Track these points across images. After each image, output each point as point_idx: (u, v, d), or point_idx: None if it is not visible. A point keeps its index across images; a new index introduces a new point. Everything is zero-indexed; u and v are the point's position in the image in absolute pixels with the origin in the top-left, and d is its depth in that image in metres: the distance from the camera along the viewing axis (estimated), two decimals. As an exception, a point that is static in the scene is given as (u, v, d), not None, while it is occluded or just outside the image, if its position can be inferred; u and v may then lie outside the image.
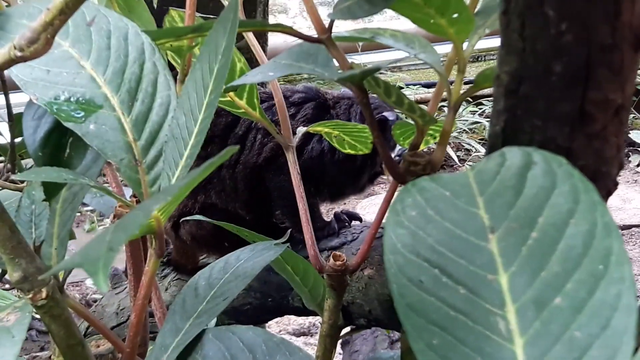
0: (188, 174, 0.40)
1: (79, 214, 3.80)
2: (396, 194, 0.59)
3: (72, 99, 0.45)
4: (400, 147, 1.14)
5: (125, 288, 1.27)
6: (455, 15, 0.57)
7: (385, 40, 0.61)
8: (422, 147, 0.66)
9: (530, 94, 0.47)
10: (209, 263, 1.26)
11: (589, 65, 0.45)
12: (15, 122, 1.11)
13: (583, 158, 0.47)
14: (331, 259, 0.62)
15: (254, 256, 0.58)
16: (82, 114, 0.45)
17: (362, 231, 1.12)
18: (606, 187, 0.50)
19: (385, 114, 1.15)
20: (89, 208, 3.47)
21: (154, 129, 0.46)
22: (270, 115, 0.84)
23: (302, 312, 1.14)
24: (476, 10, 0.63)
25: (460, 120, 4.07)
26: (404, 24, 0.60)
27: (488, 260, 0.37)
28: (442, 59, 0.60)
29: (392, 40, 0.61)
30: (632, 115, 4.22)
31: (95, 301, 1.68)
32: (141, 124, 0.46)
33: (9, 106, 1.10)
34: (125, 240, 0.29)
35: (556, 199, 0.39)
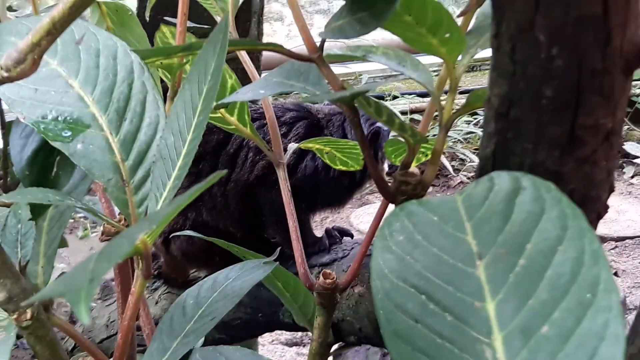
0: (175, 198, 0.40)
1: (72, 220, 3.79)
2: (388, 210, 0.58)
3: (59, 118, 0.45)
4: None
5: (116, 300, 1.26)
6: (447, 35, 0.57)
7: (377, 58, 0.61)
8: (414, 165, 0.66)
9: (520, 118, 0.47)
10: (200, 277, 1.25)
11: (580, 90, 0.45)
12: (7, 129, 1.10)
13: (573, 182, 0.47)
14: (321, 277, 0.61)
15: (243, 275, 0.58)
16: (70, 133, 0.45)
17: (352, 248, 1.12)
18: (596, 211, 0.50)
19: (379, 124, 1.15)
20: (82, 215, 3.46)
21: (142, 149, 0.46)
22: (262, 135, 0.84)
23: (293, 327, 1.13)
24: (468, 29, 0.63)
25: (454, 130, 4.08)
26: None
27: (475, 287, 0.37)
28: (434, 69, 0.60)
29: (384, 58, 0.61)
30: (626, 127, 4.23)
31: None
32: (129, 143, 0.46)
33: (1, 113, 1.09)
34: (108, 269, 0.28)
35: (544, 225, 0.39)
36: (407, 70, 0.61)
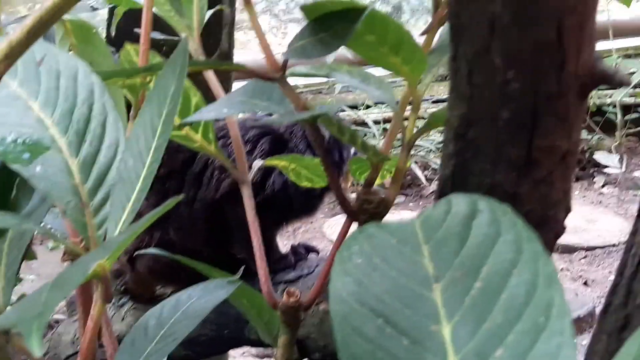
0: (132, 224, 0.40)
1: (42, 231, 3.75)
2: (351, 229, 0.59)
3: (19, 140, 0.45)
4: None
5: (82, 316, 1.25)
6: (408, 54, 0.57)
7: (341, 76, 0.62)
8: (379, 182, 0.67)
9: (478, 139, 0.48)
10: (167, 292, 1.24)
11: (536, 113, 0.45)
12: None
13: (530, 203, 0.48)
14: (285, 296, 0.61)
15: (206, 294, 0.58)
16: (29, 155, 0.44)
17: (317, 264, 1.12)
18: (553, 231, 0.50)
19: None
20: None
21: (101, 172, 0.45)
22: (227, 153, 0.84)
23: (259, 344, 1.13)
24: (431, 48, 0.64)
25: (427, 140, 4.10)
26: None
27: (431, 311, 0.37)
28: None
29: (347, 76, 0.62)
30: (597, 137, 4.27)
31: (57, 322, 1.65)
32: (89, 166, 0.45)
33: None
34: (62, 300, 0.28)
35: (500, 247, 0.39)
36: (371, 88, 0.62)
